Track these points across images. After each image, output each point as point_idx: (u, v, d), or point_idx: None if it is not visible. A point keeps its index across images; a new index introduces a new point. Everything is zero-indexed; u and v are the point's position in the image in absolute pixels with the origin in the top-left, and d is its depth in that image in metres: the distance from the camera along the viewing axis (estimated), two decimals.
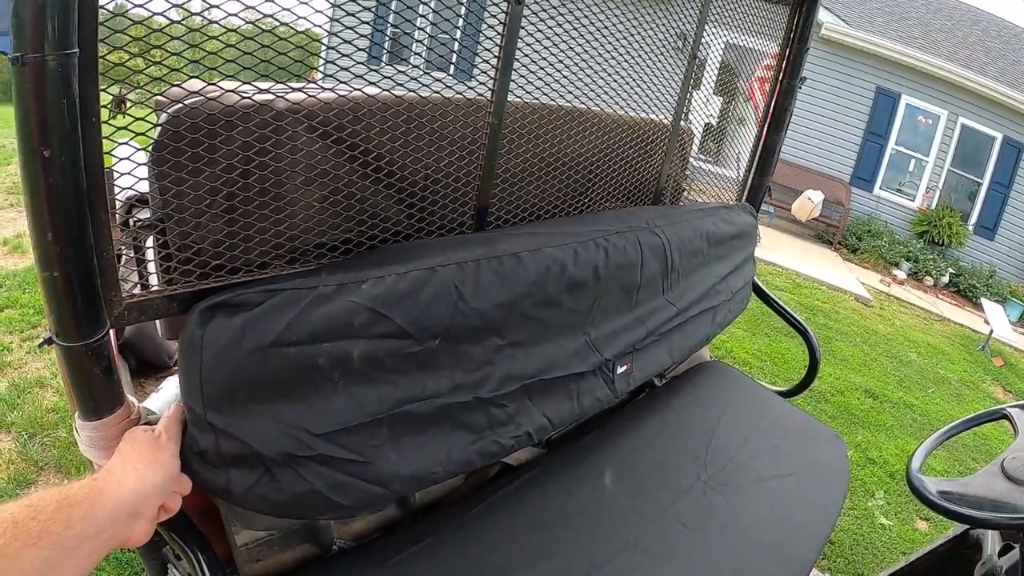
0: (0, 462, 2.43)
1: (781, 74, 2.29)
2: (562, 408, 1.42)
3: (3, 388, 2.88)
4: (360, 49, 1.10)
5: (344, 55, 1.09)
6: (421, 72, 1.25)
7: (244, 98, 0.95)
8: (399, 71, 1.16)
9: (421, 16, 1.30)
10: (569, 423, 1.54)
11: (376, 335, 1.03)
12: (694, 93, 2.01)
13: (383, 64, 1.15)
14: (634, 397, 2.14)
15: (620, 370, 1.58)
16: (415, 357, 1.09)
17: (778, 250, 8.98)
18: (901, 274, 10.15)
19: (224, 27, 0.93)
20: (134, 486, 0.79)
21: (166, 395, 1.77)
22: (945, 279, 10.37)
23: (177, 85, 0.93)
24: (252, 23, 0.94)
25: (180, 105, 0.91)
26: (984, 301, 8.02)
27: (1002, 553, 1.49)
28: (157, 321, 1.06)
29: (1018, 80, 11.03)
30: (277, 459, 0.94)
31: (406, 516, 1.46)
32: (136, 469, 0.82)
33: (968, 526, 1.73)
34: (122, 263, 1.29)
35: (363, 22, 1.10)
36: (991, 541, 1.56)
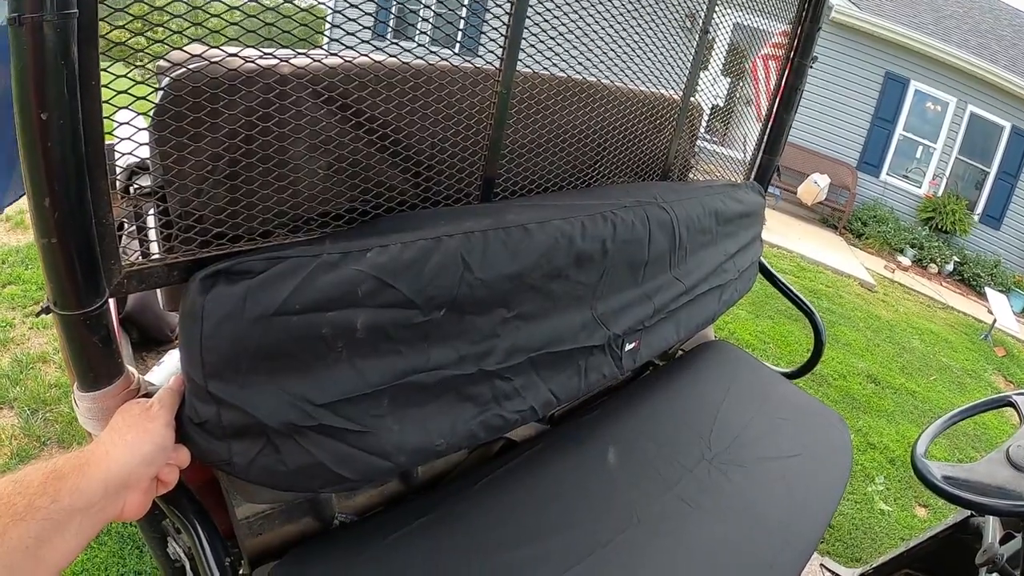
0: (3, 437, 2.44)
1: (792, 53, 2.26)
2: (568, 383, 1.41)
3: (6, 364, 2.88)
4: (366, 13, 1.07)
5: (348, 30, 1.06)
6: (427, 43, 1.23)
7: (247, 62, 0.93)
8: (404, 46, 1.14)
9: None
10: (574, 398, 1.53)
11: (380, 304, 1.01)
12: (704, 73, 1.98)
13: (388, 40, 1.12)
14: (639, 375, 2.14)
15: (628, 347, 1.57)
16: (420, 327, 1.08)
17: (783, 233, 8.97)
18: (906, 260, 10.13)
19: None
20: (122, 457, 0.78)
21: (168, 368, 1.77)
22: (950, 267, 10.35)
23: (179, 49, 0.91)
24: None
25: (182, 69, 0.89)
26: (988, 290, 7.99)
27: (1003, 541, 1.49)
28: (158, 292, 1.05)
29: None
30: (280, 430, 0.92)
31: (409, 491, 1.45)
32: (125, 440, 0.80)
33: (968, 513, 1.73)
34: (124, 231, 1.28)
35: None
36: (992, 529, 1.56)
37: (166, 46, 0.90)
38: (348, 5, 1.03)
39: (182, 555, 1.21)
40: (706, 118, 2.21)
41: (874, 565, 2.05)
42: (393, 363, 1.05)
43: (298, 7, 1.00)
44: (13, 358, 2.93)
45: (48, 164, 0.70)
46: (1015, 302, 9.26)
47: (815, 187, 9.03)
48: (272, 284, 0.91)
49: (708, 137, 2.39)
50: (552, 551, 1.29)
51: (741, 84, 2.48)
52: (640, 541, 1.38)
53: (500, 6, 1.21)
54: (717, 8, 1.83)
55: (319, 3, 1.02)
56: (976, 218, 10.99)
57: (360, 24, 1.06)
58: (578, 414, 1.78)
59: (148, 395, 0.92)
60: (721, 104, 2.39)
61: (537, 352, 1.31)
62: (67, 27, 0.67)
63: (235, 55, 0.92)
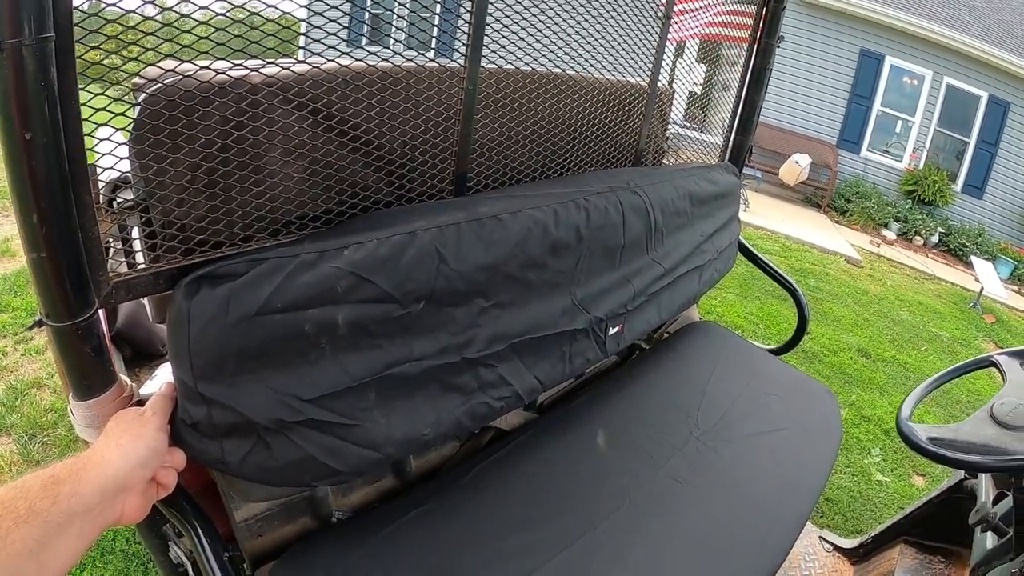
0: (1, 464, 2.44)
1: (759, 33, 2.29)
2: (553, 368, 1.43)
3: (1, 391, 2.88)
4: (333, 20, 1.10)
5: (321, 33, 1.09)
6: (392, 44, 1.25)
7: (219, 74, 0.95)
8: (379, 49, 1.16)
9: None
10: (559, 383, 1.55)
11: (360, 300, 1.04)
12: (676, 61, 2.00)
13: (363, 45, 1.15)
14: (625, 359, 2.16)
15: (612, 331, 1.60)
16: (400, 321, 1.10)
17: (767, 214, 9.02)
18: (891, 234, 10.20)
19: (200, 5, 0.93)
20: (118, 461, 0.79)
21: (161, 382, 1.78)
22: (935, 238, 10.42)
23: (153, 65, 0.94)
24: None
25: (157, 85, 0.92)
26: (974, 259, 8.07)
27: (996, 501, 1.50)
28: (147, 305, 1.07)
29: (1002, 38, 10.97)
30: (269, 426, 0.95)
31: (403, 486, 1.48)
32: (120, 444, 0.82)
33: (962, 476, 1.76)
34: (110, 244, 1.30)
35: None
36: (985, 489, 1.58)
37: (140, 63, 0.93)
38: (315, 14, 1.06)
39: (184, 558, 1.23)
40: (683, 105, 2.24)
41: (872, 534, 2.07)
42: (376, 356, 1.08)
43: (266, 18, 1.02)
44: (8, 385, 2.94)
45: (34, 181, 0.73)
46: (1001, 269, 9.34)
47: (797, 167, 9.08)
48: (253, 285, 0.94)
49: (685, 123, 2.41)
50: (544, 537, 1.31)
51: (715, 72, 2.51)
52: (631, 522, 1.40)
53: (461, 4, 1.24)
54: None
55: (287, 13, 1.04)
56: (959, 188, 11.06)
57: (326, 31, 1.09)
58: (565, 401, 1.81)
59: (141, 402, 0.95)
60: (698, 91, 2.41)
61: (519, 339, 1.33)
62: (45, 50, 0.70)
63: (207, 68, 0.95)
